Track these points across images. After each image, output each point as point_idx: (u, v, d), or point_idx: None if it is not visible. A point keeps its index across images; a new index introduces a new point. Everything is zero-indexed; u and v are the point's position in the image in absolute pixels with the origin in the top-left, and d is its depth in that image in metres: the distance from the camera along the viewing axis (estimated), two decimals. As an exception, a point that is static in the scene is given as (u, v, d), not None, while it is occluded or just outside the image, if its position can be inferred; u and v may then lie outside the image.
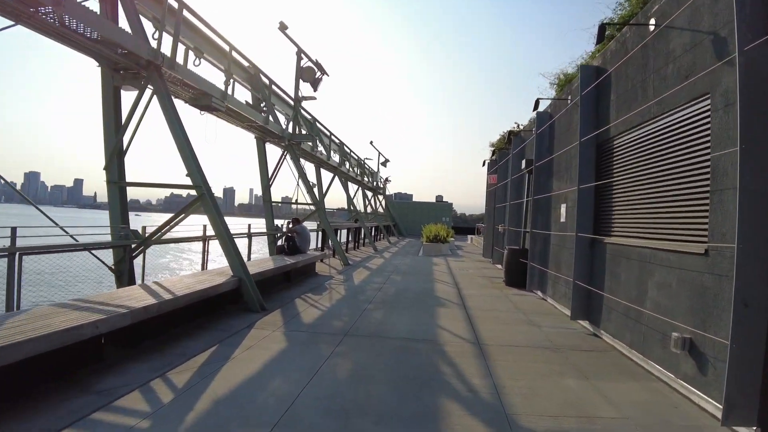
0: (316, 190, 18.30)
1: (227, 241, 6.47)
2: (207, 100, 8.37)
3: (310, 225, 14.76)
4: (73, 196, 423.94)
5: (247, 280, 6.36)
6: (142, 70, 6.83)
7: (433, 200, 42.53)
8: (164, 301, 4.67)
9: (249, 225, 10.82)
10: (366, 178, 26.38)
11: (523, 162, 9.92)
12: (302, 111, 13.41)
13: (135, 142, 7.05)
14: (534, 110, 8.32)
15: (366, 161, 25.55)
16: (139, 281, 7.35)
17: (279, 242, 10.43)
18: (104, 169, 7.04)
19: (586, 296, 6.21)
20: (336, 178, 18.87)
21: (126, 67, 6.88)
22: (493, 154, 13.35)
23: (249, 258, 10.49)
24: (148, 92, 6.97)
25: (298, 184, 12.73)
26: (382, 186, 32.26)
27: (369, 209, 27.43)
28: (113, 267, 6.85)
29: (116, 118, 7.08)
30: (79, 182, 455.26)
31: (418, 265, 13.22)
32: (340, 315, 6.34)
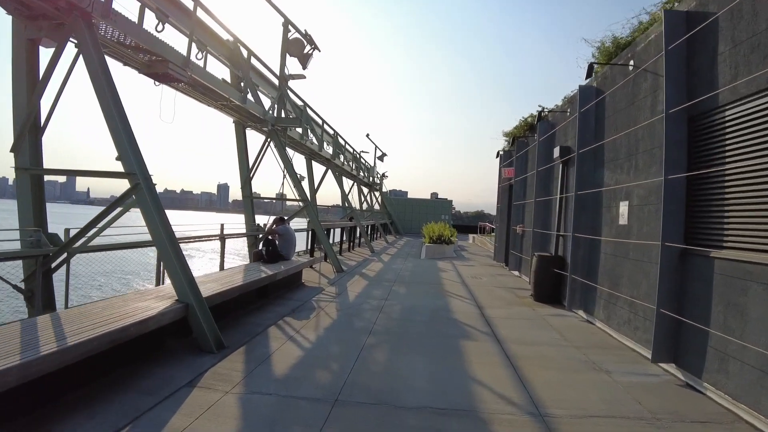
0: (306, 184, 16.49)
1: (169, 250, 4.61)
2: (162, 66, 6.54)
3: (299, 224, 12.92)
4: (66, 191, 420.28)
5: (197, 307, 4.51)
6: (65, 16, 4.98)
7: (428, 197, 40.77)
8: (37, 359, 2.83)
9: (222, 225, 8.97)
10: (362, 173, 24.53)
11: (556, 150, 8.13)
12: (289, 92, 11.54)
13: (67, 117, 5.16)
14: (587, 78, 6.54)
15: (362, 154, 23.69)
16: (73, 302, 5.58)
17: (261, 246, 8.55)
18: (11, 151, 5.19)
19: (674, 331, 4.44)
20: (329, 172, 17.00)
21: (45, 14, 5.02)
22: (512, 144, 11.53)
23: (222, 267, 8.65)
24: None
25: (284, 176, 10.86)
26: (378, 182, 30.40)
27: (365, 206, 25.60)
28: (22, 285, 5.03)
29: (29, 83, 5.24)
30: (72, 178, 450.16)
31: (422, 271, 11.41)
32: (329, 357, 4.51)
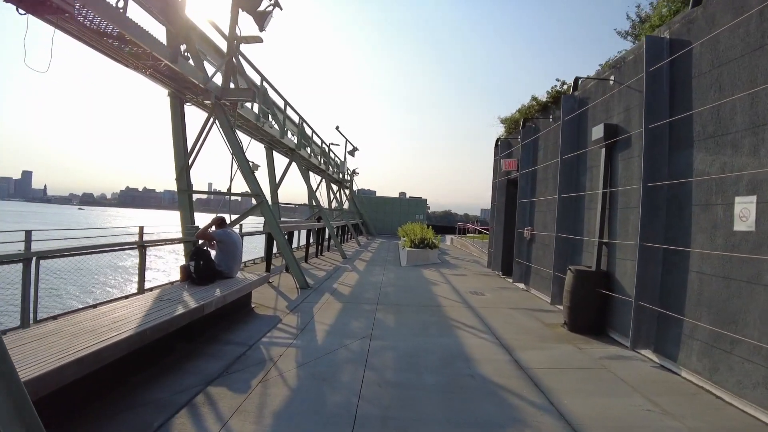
0: (266, 177, 14.02)
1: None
2: (28, -16, 4.08)
3: (253, 225, 10.47)
4: (20, 188, 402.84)
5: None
6: None
7: (396, 196, 38.81)
8: None
9: (141, 228, 6.52)
10: (331, 169, 22.11)
11: (596, 130, 6.13)
12: (243, 62, 9.13)
13: None
14: (693, 6, 4.52)
15: (331, 146, 21.29)
16: None
17: (189, 259, 6.05)
18: None
19: None
20: (294, 164, 14.54)
21: None
22: (519, 127, 9.48)
23: (142, 288, 6.22)
24: None
25: (232, 164, 8.41)
26: (349, 178, 28.03)
27: (334, 204, 23.21)
28: None
29: None
30: (27, 174, 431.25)
31: (409, 285, 9.23)
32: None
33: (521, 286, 9.28)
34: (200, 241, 6.31)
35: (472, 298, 7.89)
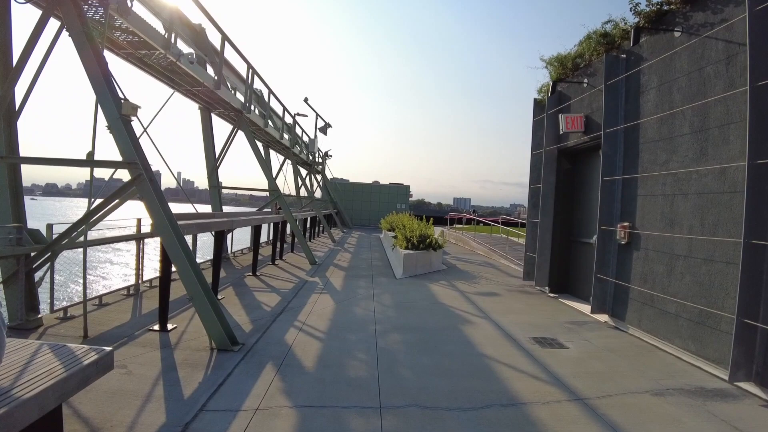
0: (199, 147, 9.90)
1: None
2: None
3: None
4: None
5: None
6: None
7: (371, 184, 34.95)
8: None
9: None
10: (298, 147, 17.89)
11: None
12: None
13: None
14: None
15: (298, 117, 17.05)
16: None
17: None
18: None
19: None
20: (240, 133, 10.39)
21: None
22: (628, 49, 5.54)
23: None
24: None
25: (96, 109, 4.35)
26: (320, 161, 23.85)
27: (303, 192, 19.08)
28: None
29: None
30: None
31: (425, 327, 5.47)
32: None
33: (604, 319, 5.66)
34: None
35: (554, 361, 4.18)
